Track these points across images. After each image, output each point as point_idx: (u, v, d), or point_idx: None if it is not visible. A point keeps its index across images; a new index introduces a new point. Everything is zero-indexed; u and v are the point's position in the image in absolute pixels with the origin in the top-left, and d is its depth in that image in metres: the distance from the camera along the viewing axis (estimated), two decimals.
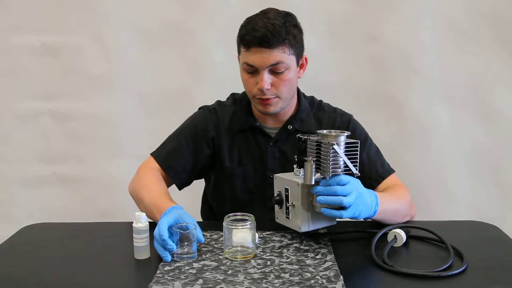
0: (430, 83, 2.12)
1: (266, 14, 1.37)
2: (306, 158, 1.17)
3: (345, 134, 1.18)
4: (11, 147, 2.26)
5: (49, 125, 2.24)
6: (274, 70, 1.37)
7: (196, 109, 1.58)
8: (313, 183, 1.17)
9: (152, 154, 1.53)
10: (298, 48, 1.40)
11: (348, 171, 1.18)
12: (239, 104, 1.53)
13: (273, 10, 1.39)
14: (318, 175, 1.18)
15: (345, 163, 1.17)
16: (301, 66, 1.45)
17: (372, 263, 1.15)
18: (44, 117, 2.23)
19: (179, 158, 1.50)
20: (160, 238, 1.16)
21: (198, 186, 1.70)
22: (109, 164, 2.24)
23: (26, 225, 1.44)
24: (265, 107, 1.42)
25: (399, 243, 1.24)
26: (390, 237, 1.25)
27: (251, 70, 1.38)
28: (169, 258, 1.16)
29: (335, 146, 1.15)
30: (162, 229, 1.16)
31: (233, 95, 1.59)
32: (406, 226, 1.31)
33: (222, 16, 2.12)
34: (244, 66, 1.39)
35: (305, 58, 1.45)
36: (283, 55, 1.35)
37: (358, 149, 1.19)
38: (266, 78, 1.36)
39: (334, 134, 1.17)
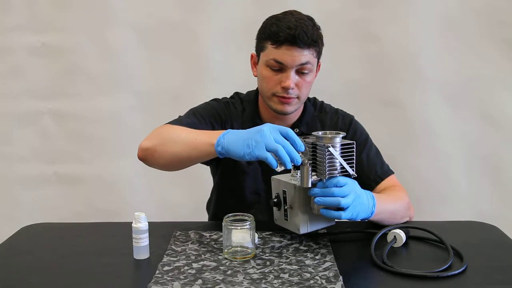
0: (430, 83, 2.12)
1: (294, 15, 1.37)
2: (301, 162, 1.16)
3: (341, 135, 1.17)
4: (11, 147, 2.25)
5: (49, 125, 2.24)
6: (300, 71, 1.37)
7: None
8: (309, 186, 1.17)
9: (169, 123, 1.41)
10: (320, 53, 1.42)
11: (345, 173, 1.18)
12: (247, 105, 1.53)
13: (297, 12, 1.39)
14: (315, 177, 1.17)
15: (341, 164, 1.16)
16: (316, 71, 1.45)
17: (372, 263, 1.15)
18: (44, 117, 2.23)
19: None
20: (299, 145, 1.12)
21: (200, 185, 1.70)
22: (109, 164, 2.24)
23: (26, 225, 1.44)
24: (283, 106, 1.41)
25: (398, 244, 1.24)
26: (389, 238, 1.25)
27: (278, 68, 1.37)
28: (290, 164, 1.11)
29: (331, 149, 1.14)
30: (291, 132, 1.13)
31: (237, 94, 1.57)
32: (405, 226, 1.31)
33: (222, 16, 2.12)
34: (269, 63, 1.37)
35: (319, 65, 1.46)
36: (311, 57, 1.37)
37: (354, 150, 1.18)
38: (293, 77, 1.37)
39: (329, 136, 1.16)
